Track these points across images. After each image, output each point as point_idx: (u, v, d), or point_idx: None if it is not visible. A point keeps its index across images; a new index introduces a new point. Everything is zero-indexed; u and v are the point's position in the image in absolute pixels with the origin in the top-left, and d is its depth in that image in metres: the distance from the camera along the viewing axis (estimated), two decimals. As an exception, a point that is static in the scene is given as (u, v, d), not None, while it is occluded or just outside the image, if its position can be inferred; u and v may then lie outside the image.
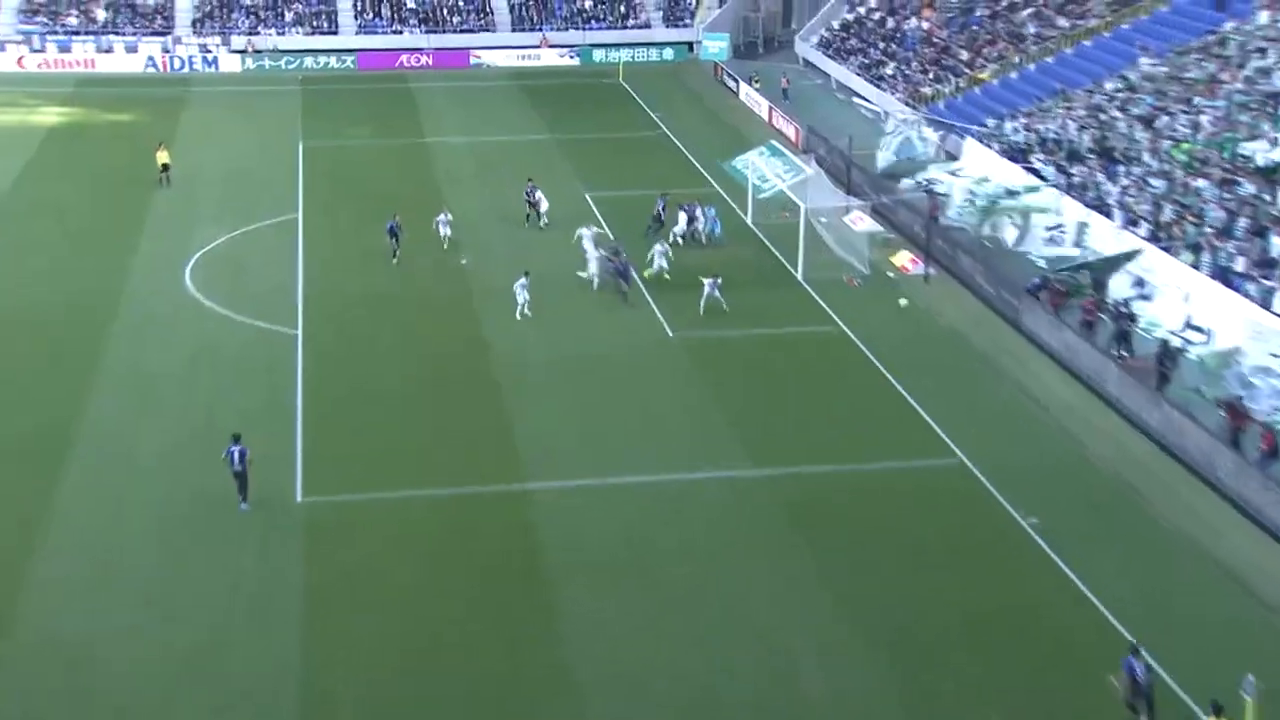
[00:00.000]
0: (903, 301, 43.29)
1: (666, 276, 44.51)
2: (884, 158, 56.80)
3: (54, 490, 31.32)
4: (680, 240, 48.22)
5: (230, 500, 30.80)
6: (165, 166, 55.72)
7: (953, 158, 55.28)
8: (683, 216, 48.94)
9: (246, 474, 30.69)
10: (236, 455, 30.71)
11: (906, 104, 64.89)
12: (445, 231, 47.52)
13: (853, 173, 55.30)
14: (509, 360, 39.19)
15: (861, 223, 50.07)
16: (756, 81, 72.41)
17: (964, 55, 66.77)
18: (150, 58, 78.29)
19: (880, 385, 38.07)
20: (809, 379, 38.52)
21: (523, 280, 41.80)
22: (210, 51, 78.93)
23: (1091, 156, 49.71)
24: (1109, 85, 55.04)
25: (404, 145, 62.92)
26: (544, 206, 50.58)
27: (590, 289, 44.01)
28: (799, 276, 46.22)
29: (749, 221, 51.82)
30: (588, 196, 54.78)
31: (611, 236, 47.39)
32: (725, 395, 37.21)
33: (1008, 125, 55.73)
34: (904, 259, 48.20)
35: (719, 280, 42.60)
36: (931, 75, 67.04)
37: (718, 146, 61.10)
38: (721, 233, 48.77)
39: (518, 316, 41.72)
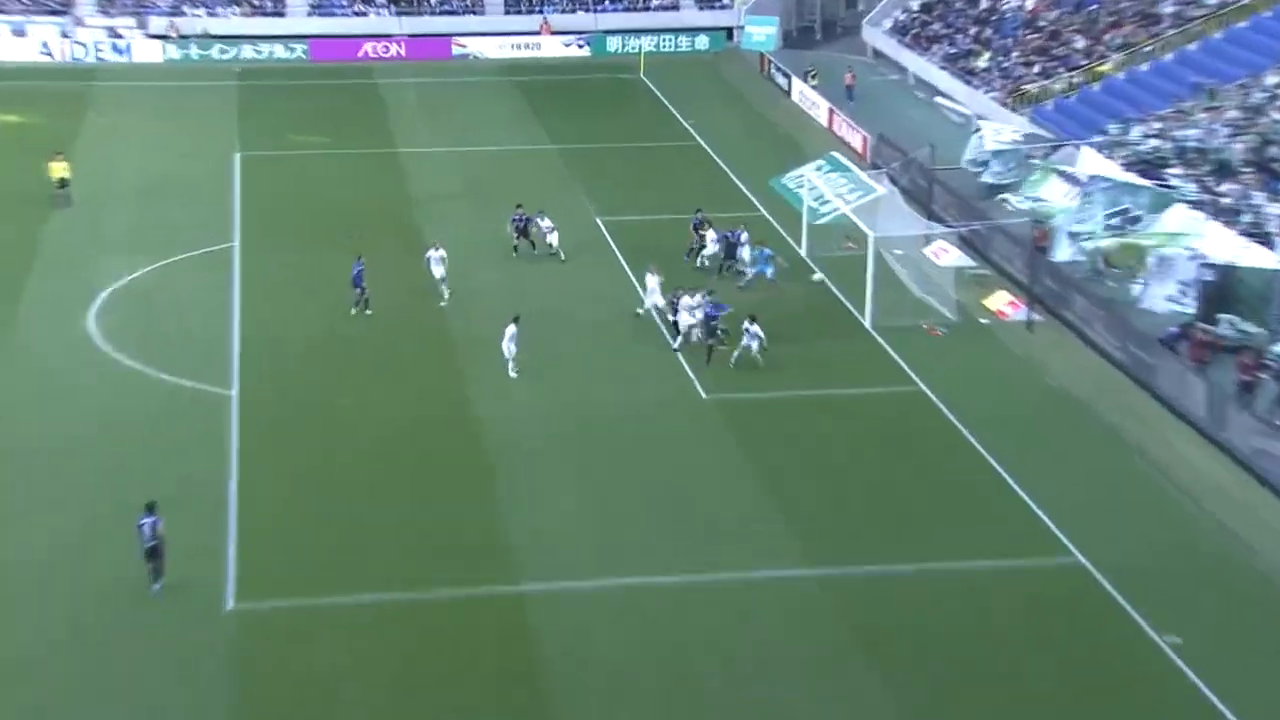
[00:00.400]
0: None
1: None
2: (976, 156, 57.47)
3: (-77, 596, 31.33)
4: (705, 263, 49.37)
5: (144, 608, 31.04)
6: (63, 182, 56.24)
7: (1065, 176, 56.01)
8: (712, 239, 49.88)
9: (162, 550, 31.09)
10: (149, 528, 31.19)
11: (1004, 105, 65.62)
12: (439, 272, 47.82)
13: (936, 192, 55.69)
14: (500, 429, 39.50)
15: (946, 255, 50.38)
16: (814, 77, 73.39)
17: (1079, 43, 67.30)
18: (44, 43, 78.42)
19: (971, 461, 38.21)
20: (880, 453, 38.72)
21: (511, 329, 42.30)
22: (122, 36, 79.34)
23: (1247, 171, 50.07)
24: (1270, 79, 55.12)
25: (369, 158, 63.67)
26: (554, 237, 51.41)
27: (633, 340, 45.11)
28: (867, 323, 46.62)
29: (804, 254, 52.28)
30: (600, 222, 55.51)
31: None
32: (773, 474, 37.38)
33: (1136, 131, 56.13)
34: (1001, 301, 48.56)
35: (757, 328, 42.94)
36: (1037, 68, 67.59)
37: (765, 160, 61.61)
38: (775, 276, 49.27)
39: (511, 374, 42.21)
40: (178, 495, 34.92)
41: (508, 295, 47.57)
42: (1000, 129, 60.01)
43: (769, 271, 49.11)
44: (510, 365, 42.15)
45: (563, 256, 51.04)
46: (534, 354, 42.96)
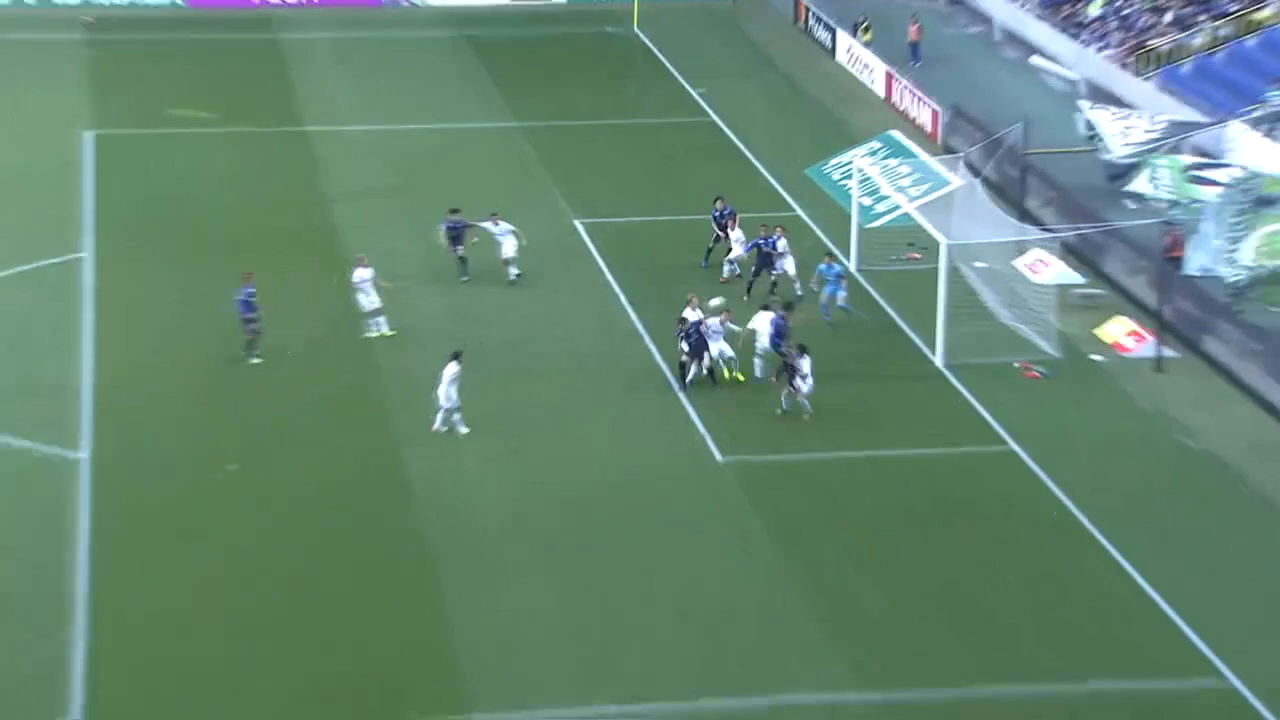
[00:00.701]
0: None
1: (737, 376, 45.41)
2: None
3: None
4: (732, 269, 50.03)
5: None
6: None
7: (1206, 157, 56.08)
8: (738, 240, 50.46)
9: None
10: None
11: (1123, 67, 65.74)
12: (369, 302, 47.95)
13: (1031, 184, 55.65)
14: (446, 507, 39.42)
15: (1046, 270, 50.24)
16: (867, 30, 73.48)
17: (1224, -17, 67.74)
18: None
19: (1081, 549, 38.20)
20: (955, 538, 38.74)
21: (452, 368, 42.31)
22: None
23: None
24: None
25: (269, 138, 63.80)
26: (509, 246, 51.41)
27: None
28: (937, 361, 46.82)
29: (853, 267, 52.42)
30: (580, 226, 55.74)
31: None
32: (812, 566, 37.39)
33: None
34: (1120, 332, 48.66)
35: (807, 363, 43.01)
36: (1169, 17, 67.80)
37: (800, 142, 61.64)
38: (848, 302, 49.21)
39: (459, 430, 42.27)
40: (8, 597, 34.57)
41: (457, 324, 47.86)
42: (1128, 119, 59.33)
43: (840, 295, 48.99)
44: (448, 419, 42.26)
45: (513, 275, 51.03)
46: (489, 404, 43.03)
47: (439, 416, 42.22)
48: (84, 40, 75.53)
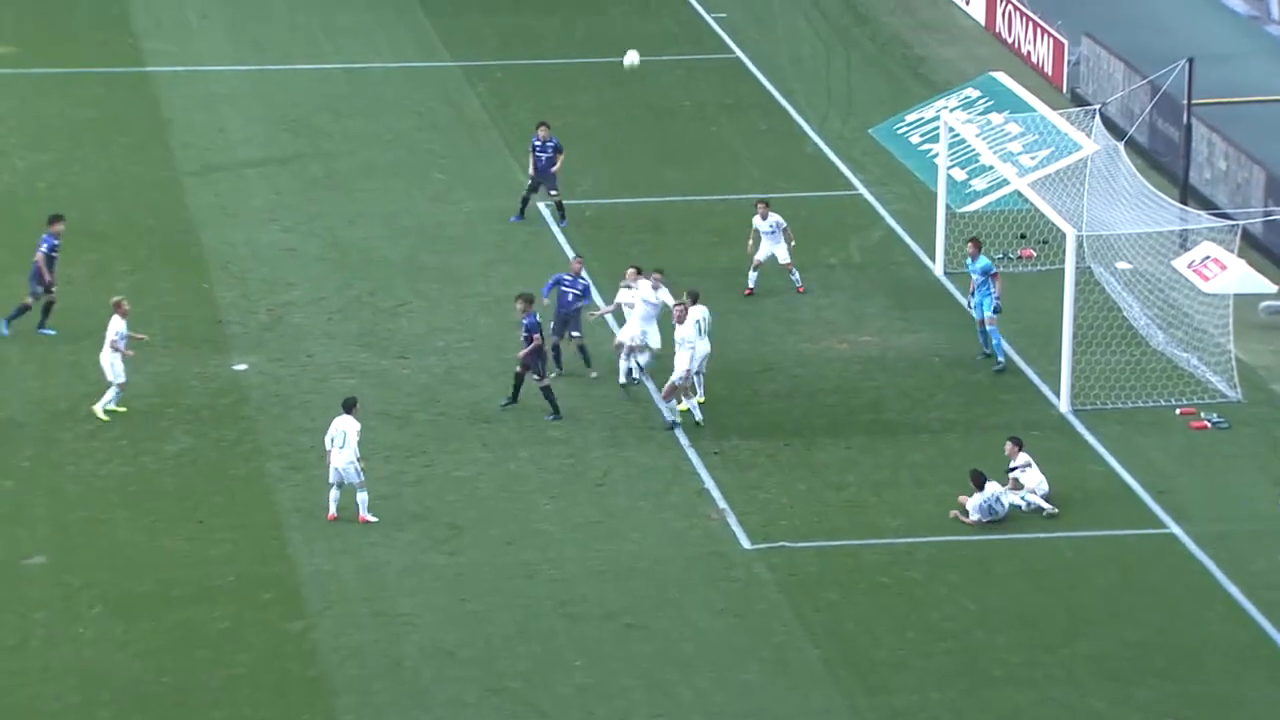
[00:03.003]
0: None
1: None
2: None
3: None
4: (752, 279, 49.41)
5: None
6: None
7: None
8: (769, 229, 49.25)
9: None
10: None
11: None
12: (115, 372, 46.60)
13: (1201, 150, 54.41)
14: (350, 617, 37.43)
15: (1223, 274, 48.23)
16: None
17: None
18: None
19: (1273, 677, 36.12)
20: (1087, 657, 36.82)
21: (345, 426, 40.54)
22: None
23: None
24: None
25: (92, 83, 62.52)
26: None
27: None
28: (1061, 405, 45.46)
29: (938, 270, 51.55)
30: (543, 209, 53.85)
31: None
32: (884, 708, 35.11)
33: None
34: None
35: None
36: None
37: (864, 89, 60.99)
38: (995, 330, 47.51)
39: (363, 515, 40.32)
40: None
41: (367, 360, 46.22)
42: None
43: (989, 306, 47.54)
44: (354, 496, 40.56)
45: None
46: (408, 470, 41.92)
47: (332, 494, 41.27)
48: None
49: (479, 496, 42.08)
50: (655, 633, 37.94)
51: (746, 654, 37.39)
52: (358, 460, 40.95)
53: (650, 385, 45.19)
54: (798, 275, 49.69)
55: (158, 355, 47.03)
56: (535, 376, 44.77)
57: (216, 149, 57.79)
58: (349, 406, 41.46)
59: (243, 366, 46.60)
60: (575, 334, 46.76)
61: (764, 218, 49.93)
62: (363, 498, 41.01)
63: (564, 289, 46.70)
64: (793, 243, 49.95)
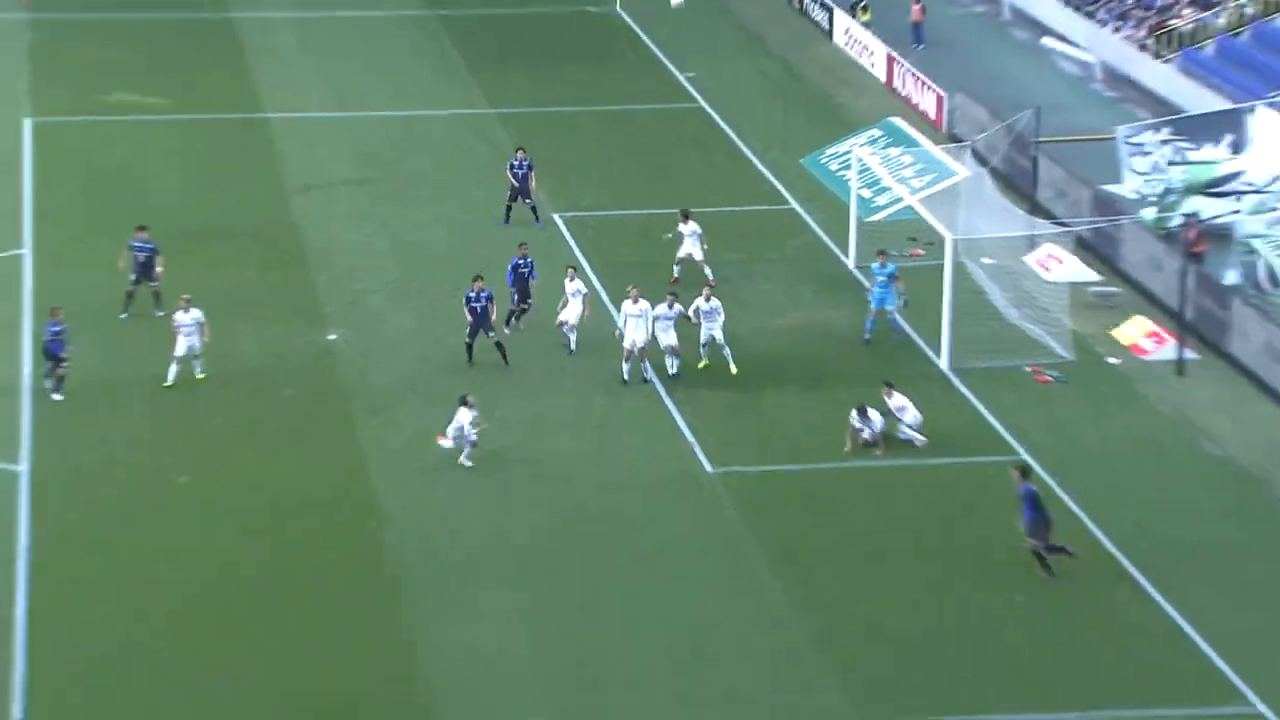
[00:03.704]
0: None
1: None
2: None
3: None
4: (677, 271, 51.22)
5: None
6: None
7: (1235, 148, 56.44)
8: (690, 234, 52.05)
9: None
10: None
11: (1142, 49, 66.88)
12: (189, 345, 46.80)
13: (1044, 175, 57.14)
14: (416, 527, 41.21)
15: (1060, 267, 51.73)
16: (866, 10, 75.46)
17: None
18: None
19: (1100, 570, 39.28)
20: (962, 553, 39.98)
21: (465, 417, 42.75)
22: None
23: None
24: None
25: (222, 126, 66.18)
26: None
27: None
28: (942, 364, 48.47)
29: (850, 264, 54.13)
30: (558, 219, 57.95)
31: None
32: (812, 588, 38.87)
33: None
34: (1138, 333, 50.22)
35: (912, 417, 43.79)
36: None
37: (795, 129, 63.98)
38: (902, 308, 50.06)
39: (463, 461, 43.22)
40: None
41: (423, 334, 50.28)
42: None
43: (892, 305, 49.90)
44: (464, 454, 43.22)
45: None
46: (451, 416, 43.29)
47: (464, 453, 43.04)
48: (24, 19, 77.27)
49: (511, 431, 44.85)
50: (641, 532, 41.11)
51: (707, 548, 40.56)
52: (472, 431, 42.87)
53: (658, 382, 47.27)
54: (709, 271, 51.52)
55: (270, 326, 49.92)
56: (490, 333, 46.98)
57: (313, 173, 61.22)
58: (465, 401, 43.40)
59: (334, 336, 49.84)
60: (528, 301, 48.88)
61: (685, 223, 52.52)
62: (467, 450, 43.21)
63: (520, 270, 49.23)
64: (706, 246, 52.28)
